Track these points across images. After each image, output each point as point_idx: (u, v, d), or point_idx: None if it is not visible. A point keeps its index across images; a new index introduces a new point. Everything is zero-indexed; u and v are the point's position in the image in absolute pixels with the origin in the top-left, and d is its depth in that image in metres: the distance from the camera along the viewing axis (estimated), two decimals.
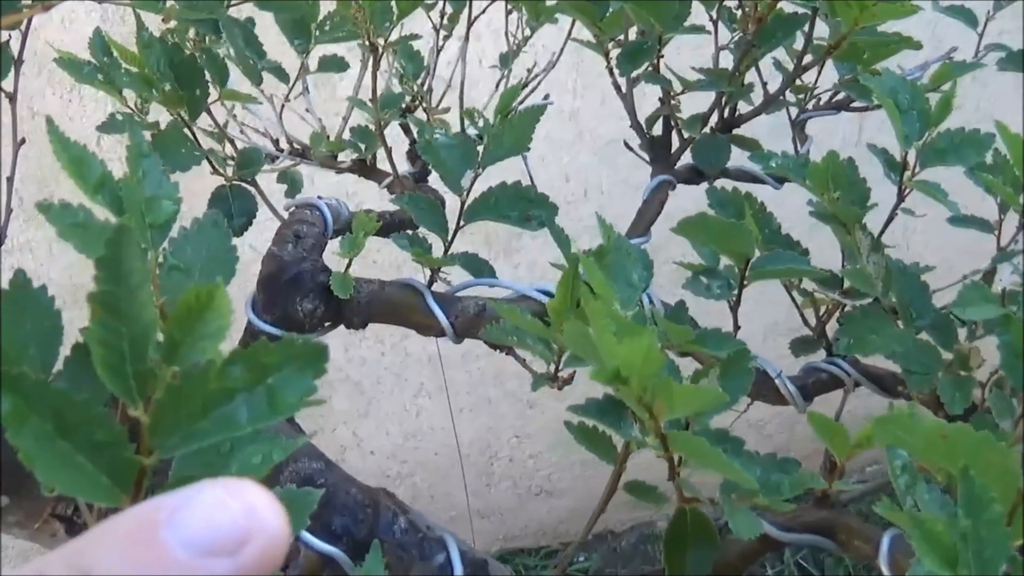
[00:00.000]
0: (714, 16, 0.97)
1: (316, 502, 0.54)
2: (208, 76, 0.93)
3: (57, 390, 0.42)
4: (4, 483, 0.74)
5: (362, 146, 1.02)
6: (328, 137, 1.03)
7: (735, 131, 0.98)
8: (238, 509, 0.29)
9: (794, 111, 1.01)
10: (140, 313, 0.42)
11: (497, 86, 1.10)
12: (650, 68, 0.96)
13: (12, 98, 0.88)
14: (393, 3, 0.95)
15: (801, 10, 0.92)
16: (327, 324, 0.91)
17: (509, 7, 1.09)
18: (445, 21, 1.07)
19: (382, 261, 1.85)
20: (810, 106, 1.01)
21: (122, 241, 0.42)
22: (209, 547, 0.28)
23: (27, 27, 0.89)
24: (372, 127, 1.00)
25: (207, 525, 0.28)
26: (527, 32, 1.09)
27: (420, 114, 1.06)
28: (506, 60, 1.09)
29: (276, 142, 1.05)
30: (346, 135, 1.04)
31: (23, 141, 0.89)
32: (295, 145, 1.05)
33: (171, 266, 0.60)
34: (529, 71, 1.08)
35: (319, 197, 0.96)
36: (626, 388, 0.59)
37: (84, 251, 0.54)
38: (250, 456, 0.49)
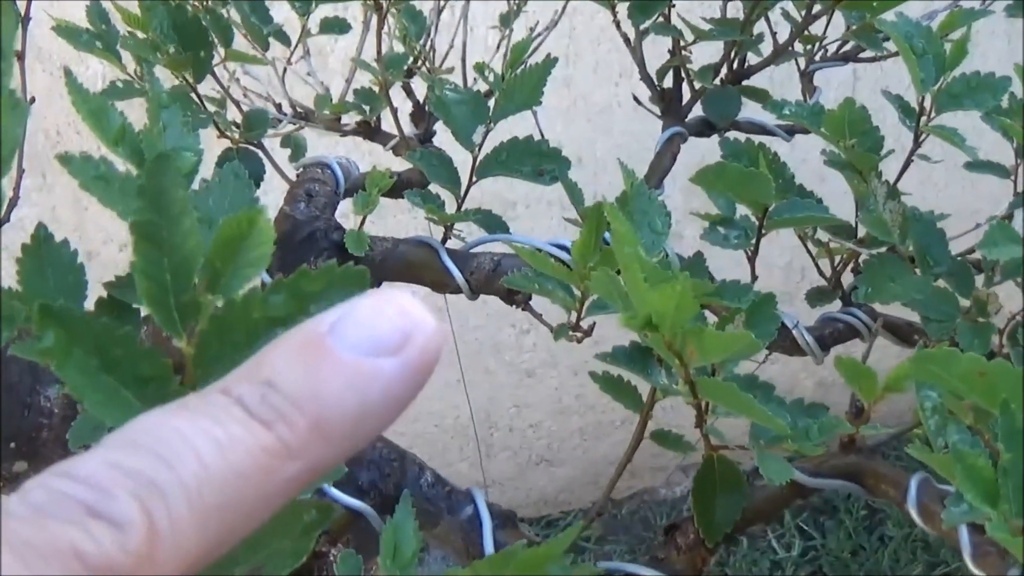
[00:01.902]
0: None
1: None
2: (213, 37, 0.93)
3: (100, 324, 0.42)
4: (21, 449, 0.76)
5: (366, 108, 1.02)
6: (331, 100, 1.03)
7: (745, 82, 0.99)
8: (394, 312, 0.30)
9: (803, 62, 1.01)
10: (182, 243, 0.42)
11: (498, 47, 1.08)
12: (660, 18, 0.96)
13: (20, 57, 0.88)
14: None
15: None
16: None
17: None
18: None
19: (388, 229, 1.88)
20: (818, 57, 1.00)
21: (162, 169, 0.42)
22: (372, 347, 0.29)
23: None
24: (376, 89, 1.00)
25: (367, 329, 0.29)
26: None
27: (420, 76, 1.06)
28: (507, 20, 1.09)
29: (279, 106, 1.05)
30: (349, 98, 1.04)
31: (33, 100, 0.88)
32: (298, 109, 1.05)
33: None
34: (531, 29, 1.06)
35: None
36: (656, 335, 0.58)
37: (106, 203, 0.54)
38: None
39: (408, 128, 1.02)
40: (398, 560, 0.60)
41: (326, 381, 0.29)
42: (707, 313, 0.82)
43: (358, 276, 0.45)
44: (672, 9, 0.97)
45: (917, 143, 0.84)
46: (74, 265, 0.57)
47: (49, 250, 0.56)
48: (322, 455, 0.29)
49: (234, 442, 0.28)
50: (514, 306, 0.88)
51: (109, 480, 0.26)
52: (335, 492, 0.80)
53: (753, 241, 0.83)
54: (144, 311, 0.64)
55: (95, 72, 1.78)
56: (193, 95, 0.95)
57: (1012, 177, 0.85)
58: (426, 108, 1.01)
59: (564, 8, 1.10)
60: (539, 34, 1.05)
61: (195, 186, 0.61)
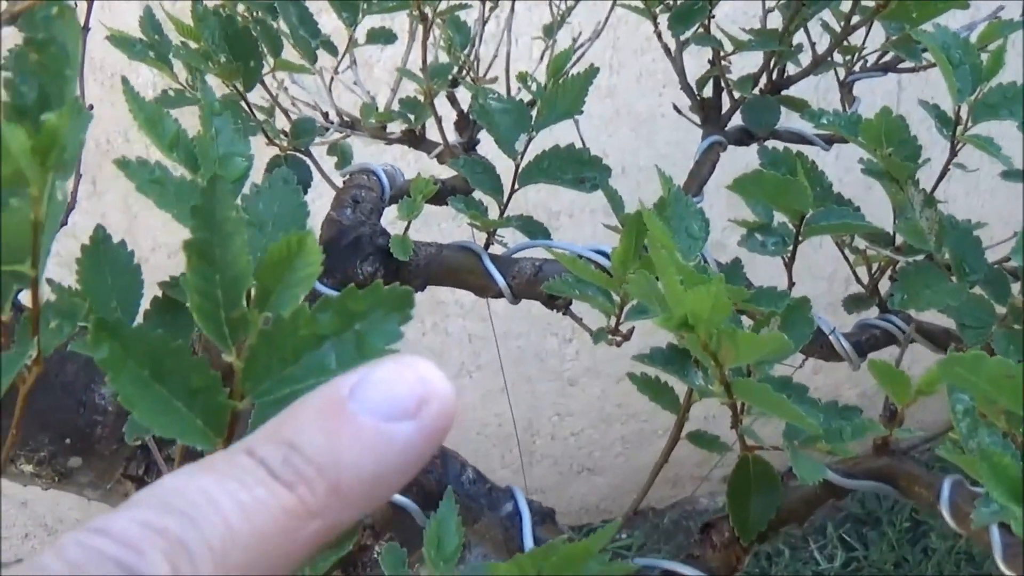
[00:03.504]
0: None
1: None
2: (263, 48, 0.94)
3: (153, 336, 0.43)
4: (76, 445, 0.77)
5: (411, 117, 1.02)
6: (377, 108, 1.03)
7: (784, 92, 0.99)
8: (411, 378, 0.31)
9: (842, 73, 1.01)
10: (233, 261, 0.43)
11: (542, 57, 1.08)
12: (700, 29, 0.96)
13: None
14: None
15: None
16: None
17: None
18: None
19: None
20: (857, 67, 1.00)
21: (216, 190, 0.43)
22: (391, 412, 0.30)
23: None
24: (421, 98, 1.00)
25: (386, 394, 0.31)
26: (570, 3, 1.08)
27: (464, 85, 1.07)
28: (550, 31, 1.09)
29: (326, 115, 1.06)
30: (394, 107, 1.04)
31: (91, 108, 0.90)
32: (344, 117, 1.05)
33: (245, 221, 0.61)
34: (575, 39, 1.07)
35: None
36: (692, 335, 0.59)
37: (162, 206, 0.56)
38: None
39: (452, 136, 1.03)
40: (442, 553, 0.60)
41: (345, 444, 0.30)
42: (744, 319, 0.84)
43: (403, 296, 0.46)
44: (712, 20, 0.97)
45: (954, 152, 0.84)
46: (131, 266, 0.58)
47: (107, 251, 0.57)
48: (341, 515, 0.30)
49: (258, 504, 0.29)
50: (555, 311, 0.88)
51: (140, 538, 0.27)
52: None
53: (790, 248, 0.83)
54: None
55: (145, 80, 1.80)
56: (243, 103, 0.95)
57: None
58: (470, 117, 1.01)
59: (607, 18, 1.10)
60: (582, 44, 1.07)
61: (245, 190, 0.63)
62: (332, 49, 1.00)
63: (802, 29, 0.96)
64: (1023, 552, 0.65)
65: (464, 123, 1.03)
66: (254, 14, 0.95)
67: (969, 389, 0.59)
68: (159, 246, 1.95)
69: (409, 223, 0.88)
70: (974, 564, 2.38)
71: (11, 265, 0.45)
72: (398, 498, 0.78)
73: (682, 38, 0.97)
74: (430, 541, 0.61)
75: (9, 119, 0.43)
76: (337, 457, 0.30)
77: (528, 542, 0.81)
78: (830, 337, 0.85)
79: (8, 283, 0.48)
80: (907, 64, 1.00)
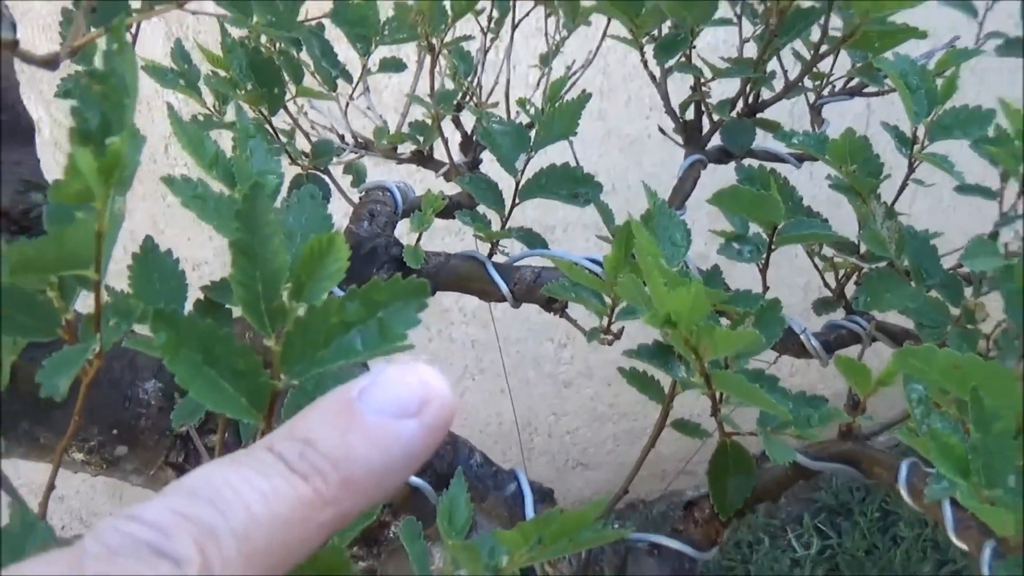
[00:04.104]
0: (738, 11, 0.97)
1: None
2: (285, 76, 0.94)
3: (204, 325, 0.45)
4: (123, 436, 0.77)
5: (420, 138, 1.03)
6: (389, 131, 1.04)
7: (759, 115, 0.99)
8: (415, 381, 0.32)
9: (811, 97, 1.02)
10: (272, 258, 0.45)
11: (538, 83, 1.10)
12: (683, 58, 0.96)
13: None
14: (448, 4, 0.96)
15: (817, 3, 0.91)
16: None
17: (548, 11, 1.09)
18: (491, 25, 1.06)
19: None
20: (826, 92, 1.01)
21: (256, 196, 0.45)
22: (396, 411, 0.32)
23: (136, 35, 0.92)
24: (429, 121, 1.01)
25: (391, 395, 0.32)
26: (564, 34, 1.08)
27: (468, 110, 1.07)
28: (546, 59, 1.10)
29: (342, 137, 1.07)
30: (404, 130, 1.04)
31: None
32: (358, 139, 1.06)
33: None
34: (568, 67, 1.07)
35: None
36: (675, 332, 0.60)
37: (203, 218, 0.56)
38: None
39: (457, 156, 1.03)
40: (454, 527, 0.61)
41: (356, 440, 0.31)
42: (724, 320, 0.85)
43: (420, 287, 0.48)
44: (693, 49, 0.97)
45: (912, 169, 0.84)
46: (176, 272, 0.59)
47: (155, 259, 0.58)
48: (351, 504, 0.31)
49: (277, 493, 0.30)
50: (552, 313, 0.88)
51: (170, 523, 0.28)
52: None
53: (764, 256, 0.84)
54: (236, 313, 0.68)
55: (146, 109, 1.81)
56: (268, 127, 0.96)
57: (998, 199, 0.85)
58: (474, 138, 1.02)
59: (598, 48, 1.11)
60: (575, 72, 1.07)
61: (276, 205, 0.64)
62: (348, 77, 1.00)
63: (775, 57, 0.96)
64: (973, 526, 0.65)
65: (468, 144, 1.04)
66: (277, 46, 0.96)
67: (922, 379, 0.59)
68: (184, 259, 1.96)
69: (420, 234, 0.89)
70: (939, 551, 2.39)
71: (77, 270, 0.47)
72: (414, 480, 0.78)
73: (666, 66, 0.98)
74: (443, 516, 0.61)
75: (77, 143, 0.45)
76: (348, 452, 0.31)
77: (530, 518, 0.80)
78: (801, 336, 0.86)
79: (73, 286, 0.50)
80: (872, 89, 1.00)
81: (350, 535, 0.54)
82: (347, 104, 1.03)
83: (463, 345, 2.23)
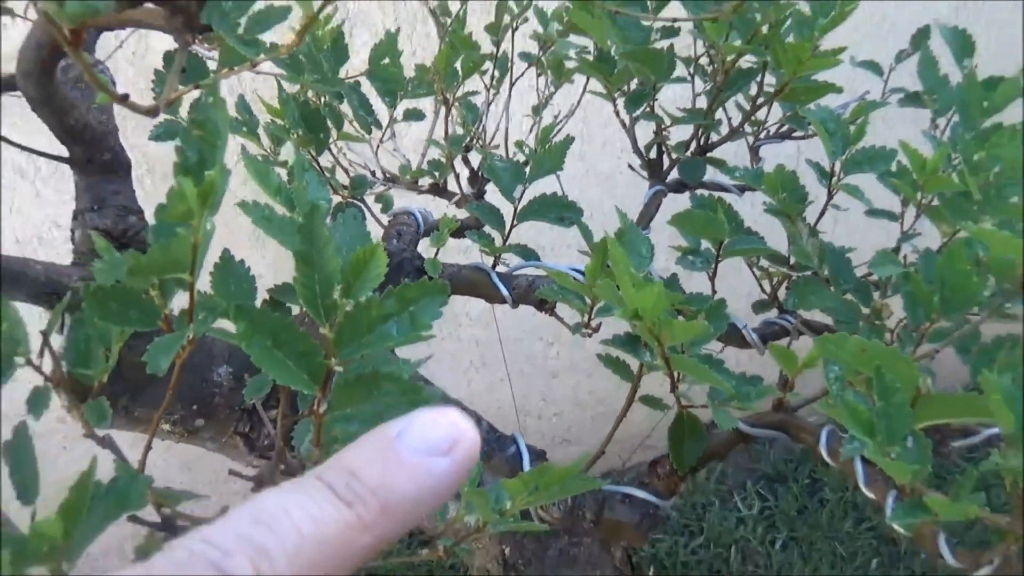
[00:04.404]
0: (692, 71, 0.96)
1: (432, 401, 0.54)
2: (329, 123, 0.94)
3: (273, 317, 0.47)
4: (201, 410, 0.77)
5: (436, 173, 1.03)
6: (411, 168, 1.04)
7: (709, 154, 0.99)
8: (446, 423, 0.32)
9: (751, 139, 1.02)
10: (326, 264, 0.46)
11: (531, 129, 1.09)
12: (647, 109, 0.96)
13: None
14: (458, 66, 0.97)
15: (755, 65, 0.91)
16: None
17: (538, 72, 1.09)
18: (493, 82, 1.06)
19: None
20: (762, 136, 1.01)
21: (314, 216, 0.46)
22: (430, 450, 0.31)
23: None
24: (444, 160, 1.01)
25: (426, 436, 0.31)
26: (552, 89, 1.09)
27: (475, 150, 1.07)
28: (538, 110, 1.09)
29: (373, 173, 1.06)
30: (424, 167, 1.04)
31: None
32: (387, 174, 1.06)
33: None
34: (555, 116, 1.07)
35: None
36: (641, 324, 0.61)
37: (269, 234, 0.56)
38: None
39: (467, 188, 1.03)
40: (469, 479, 0.62)
41: (394, 474, 0.30)
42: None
43: (442, 287, 0.49)
44: (655, 102, 0.97)
45: (830, 197, 0.85)
46: (248, 276, 0.59)
47: (231, 266, 0.59)
48: (388, 529, 0.30)
49: (324, 517, 0.29)
50: (544, 312, 0.87)
51: (230, 543, 0.28)
52: None
53: (713, 266, 0.84)
54: (296, 309, 0.69)
55: (232, 148, 1.81)
56: (315, 164, 0.97)
57: (900, 220, 0.86)
58: (480, 173, 1.02)
59: (579, 101, 1.11)
60: (561, 120, 1.07)
61: None
62: (378, 124, 0.99)
63: (721, 108, 0.96)
64: (879, 479, 0.65)
65: (475, 178, 1.04)
66: (323, 99, 0.96)
67: (838, 361, 0.61)
68: None
69: (438, 250, 0.89)
70: (858, 510, 2.39)
71: (176, 274, 0.49)
72: (519, 528, 0.77)
73: (634, 115, 0.98)
74: None
75: (180, 174, 0.47)
76: (387, 483, 0.30)
77: None
78: (743, 331, 0.86)
79: (171, 287, 0.52)
80: (800, 133, 1.00)
81: None
82: (378, 146, 1.03)
83: (469, 343, 2.22)
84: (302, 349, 0.47)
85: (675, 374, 0.68)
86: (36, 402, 0.58)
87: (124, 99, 0.47)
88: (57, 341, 0.62)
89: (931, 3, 2.14)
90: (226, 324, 0.53)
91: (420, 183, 1.05)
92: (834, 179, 0.84)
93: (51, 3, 0.40)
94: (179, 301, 0.52)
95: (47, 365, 0.58)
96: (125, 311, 0.51)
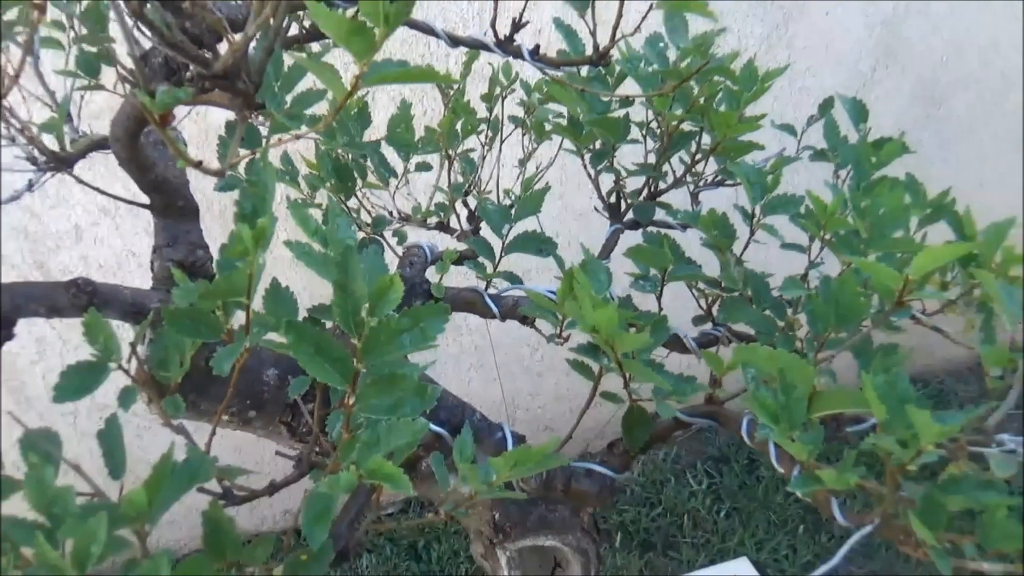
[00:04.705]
0: (644, 133, 0.97)
1: (436, 396, 0.55)
2: (356, 174, 0.96)
3: (314, 330, 0.50)
4: (253, 404, 0.78)
5: (441, 214, 1.04)
6: (422, 209, 1.05)
7: (657, 199, 1.00)
8: None
9: (691, 187, 1.01)
10: (356, 290, 0.49)
11: (518, 177, 1.07)
12: (608, 163, 0.98)
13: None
14: (459, 128, 1.00)
15: (694, 128, 0.93)
16: None
17: (524, 132, 1.09)
18: (487, 140, 1.08)
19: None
20: (700, 184, 1.01)
21: (348, 254, 0.50)
22: None
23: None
24: (447, 203, 1.02)
25: None
26: (535, 146, 1.10)
27: (472, 196, 1.08)
28: (523, 162, 1.10)
29: (391, 213, 1.05)
30: (431, 208, 1.05)
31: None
32: (402, 215, 1.06)
33: None
34: (537, 167, 1.09)
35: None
36: (599, 335, 0.63)
37: (310, 266, 0.59)
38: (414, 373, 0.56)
39: (466, 225, 1.04)
40: (463, 457, 0.63)
41: None
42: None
43: (444, 309, 0.52)
44: (615, 157, 0.98)
45: (752, 233, 0.86)
46: (292, 300, 0.61)
47: (279, 291, 0.60)
48: None
49: None
50: (526, 325, 0.88)
51: None
52: (427, 422, 0.79)
53: (659, 289, 0.85)
54: (330, 324, 0.70)
55: (279, 194, 1.82)
56: (344, 206, 0.98)
57: (807, 252, 0.86)
58: (476, 214, 1.03)
59: (557, 154, 1.10)
60: (542, 170, 1.08)
61: None
62: (395, 175, 1.00)
63: (668, 162, 0.97)
64: (787, 456, 0.66)
65: (472, 218, 1.04)
66: (350, 156, 0.97)
67: (753, 365, 0.62)
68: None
69: (442, 276, 0.90)
70: (787, 485, 2.41)
71: (236, 298, 0.52)
72: (437, 428, 0.79)
73: (598, 168, 0.98)
74: (456, 450, 0.64)
75: (239, 221, 0.50)
76: None
77: None
78: (684, 339, 0.87)
79: (232, 308, 0.55)
80: (730, 182, 0.99)
81: (400, 458, 0.57)
82: (394, 192, 1.04)
83: (469, 349, 2.24)
84: (337, 355, 0.50)
85: (626, 375, 0.70)
86: (125, 397, 0.60)
87: (198, 164, 0.50)
88: (141, 350, 0.64)
89: (832, 79, 2.17)
90: (274, 336, 0.55)
91: (428, 221, 1.05)
92: (755, 220, 0.85)
93: (144, 94, 0.44)
94: (238, 318, 0.55)
95: (134, 369, 0.61)
96: (196, 327, 0.53)
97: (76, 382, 0.54)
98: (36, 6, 0.45)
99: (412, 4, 0.44)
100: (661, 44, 0.83)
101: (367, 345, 0.49)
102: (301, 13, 0.72)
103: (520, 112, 1.09)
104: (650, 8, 0.64)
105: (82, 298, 0.63)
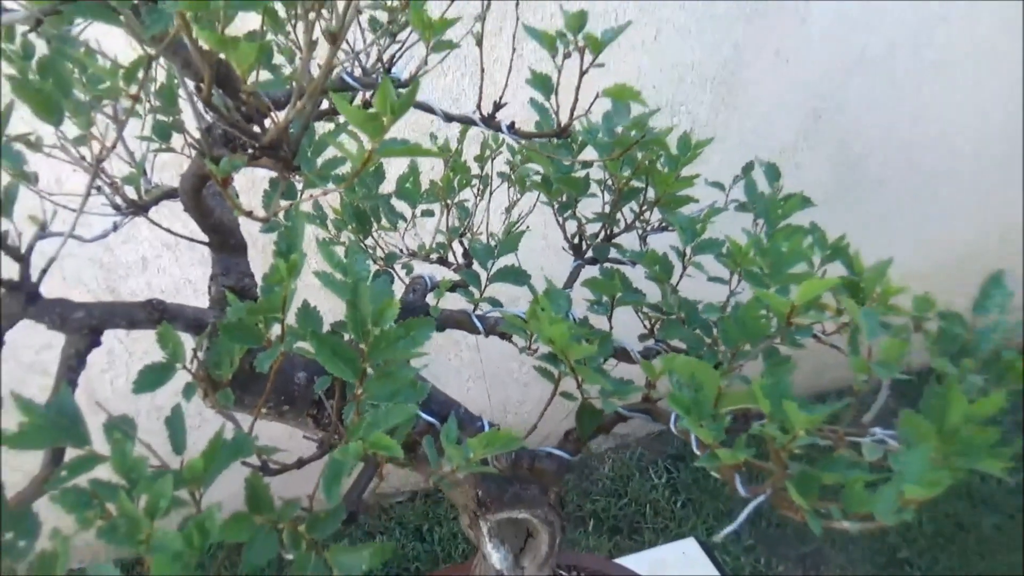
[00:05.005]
0: (602, 188, 0.99)
1: (426, 390, 0.60)
2: (372, 218, 1.00)
3: (333, 338, 0.56)
4: (286, 399, 0.81)
5: (441, 251, 1.07)
6: (426, 247, 1.09)
7: (612, 241, 1.02)
8: None
9: (640, 232, 1.03)
10: (365, 308, 0.55)
11: (503, 222, 1.13)
12: (572, 212, 1.02)
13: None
14: (455, 182, 1.05)
15: (640, 185, 0.96)
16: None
17: (509, 186, 1.12)
18: (479, 192, 1.11)
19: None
20: (648, 229, 1.03)
21: (359, 284, 0.55)
22: None
23: None
24: (446, 242, 1.06)
25: None
26: (517, 197, 1.13)
27: (466, 238, 1.14)
28: (509, 210, 1.13)
29: (400, 251, 1.08)
30: (432, 246, 1.09)
31: None
32: (409, 251, 1.09)
33: None
34: (520, 215, 1.12)
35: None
36: (554, 346, 0.68)
37: (333, 291, 0.64)
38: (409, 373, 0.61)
39: (461, 260, 1.07)
40: (449, 440, 0.67)
41: None
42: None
43: (429, 323, 0.57)
44: (577, 207, 1.01)
45: (684, 268, 0.89)
46: (318, 316, 0.66)
47: (308, 311, 0.66)
48: None
49: None
50: (506, 340, 0.92)
51: None
52: (421, 412, 0.83)
53: (610, 312, 0.88)
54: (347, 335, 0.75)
55: (310, 233, 1.86)
56: (362, 244, 1.02)
57: (728, 284, 0.87)
58: (468, 251, 1.06)
59: (535, 205, 1.13)
60: (523, 216, 1.12)
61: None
62: (403, 219, 1.03)
63: (620, 212, 1.00)
64: (703, 442, 0.72)
65: (466, 255, 1.07)
66: (367, 205, 1.01)
67: (675, 370, 0.66)
68: None
69: (439, 300, 0.93)
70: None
71: (274, 314, 0.58)
72: (428, 418, 0.82)
73: (564, 216, 1.03)
74: (443, 434, 0.67)
75: (277, 256, 0.56)
76: None
77: None
78: (631, 352, 0.89)
79: (271, 322, 0.61)
80: (671, 228, 1.01)
81: (400, 438, 0.62)
82: (403, 233, 1.06)
83: (467, 362, 2.27)
84: (349, 356, 0.56)
85: (579, 378, 0.73)
86: (188, 391, 0.65)
87: (249, 214, 0.57)
88: (200, 355, 0.70)
89: (749, 154, 2.24)
90: (304, 345, 0.61)
91: (431, 257, 1.08)
92: (687, 258, 0.89)
93: (210, 161, 0.50)
94: (275, 331, 0.61)
95: (195, 368, 0.66)
96: (244, 336, 0.59)
97: (151, 378, 0.60)
98: (132, 97, 0.52)
99: (413, 96, 0.51)
100: (612, 120, 0.89)
101: (371, 349, 0.54)
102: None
103: (506, 169, 1.14)
104: (596, 97, 0.70)
105: (155, 315, 0.68)
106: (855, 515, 0.60)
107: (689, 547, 1.58)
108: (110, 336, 1.55)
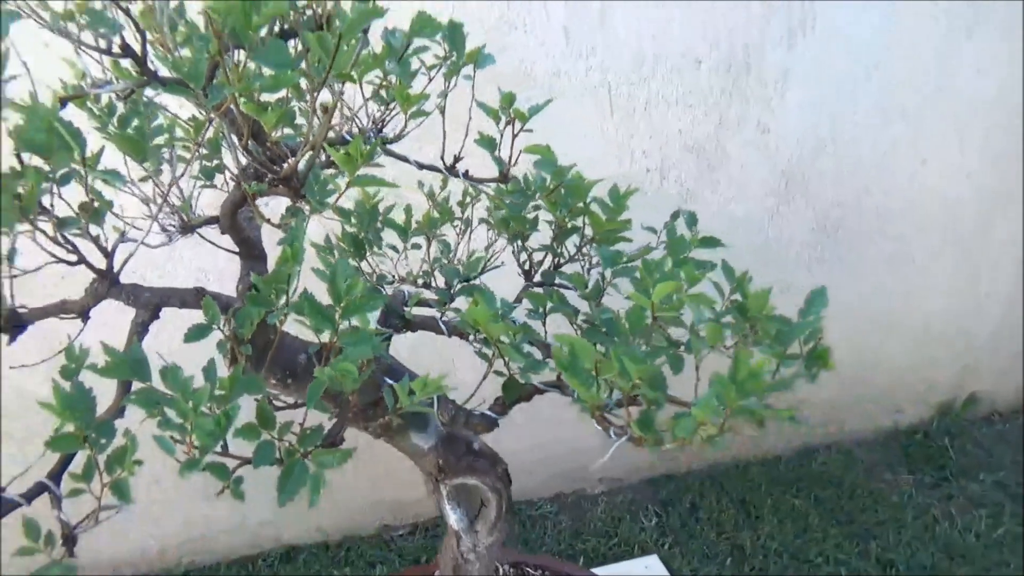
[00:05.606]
0: (552, 228, 1.21)
1: (379, 346, 0.92)
2: (367, 246, 1.35)
3: (320, 304, 0.88)
4: (291, 374, 1.12)
5: (425, 278, 1.31)
6: (413, 274, 1.35)
7: (558, 270, 1.21)
8: None
9: (586, 264, 1.19)
10: (339, 285, 0.88)
11: (487, 250, 1.38)
12: (522, 244, 1.20)
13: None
14: (437, 217, 1.33)
15: (580, 224, 1.16)
16: (405, 330, 1.20)
17: (487, 226, 1.38)
18: (460, 228, 1.37)
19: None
20: (591, 261, 1.19)
21: (337, 269, 0.88)
22: None
23: None
24: (429, 269, 1.31)
25: None
26: (495, 237, 1.41)
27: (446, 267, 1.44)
28: (489, 247, 1.40)
29: (395, 277, 1.33)
30: (419, 273, 1.41)
31: None
32: (399, 276, 1.32)
33: None
34: (494, 253, 1.39)
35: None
36: (481, 327, 0.96)
37: (321, 278, 0.99)
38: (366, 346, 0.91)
39: (441, 284, 1.32)
40: (401, 390, 0.95)
41: None
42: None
43: (376, 303, 0.89)
44: (527, 241, 1.20)
45: (604, 289, 1.22)
46: (313, 297, 0.96)
47: (306, 294, 0.94)
48: None
49: None
50: (464, 339, 1.19)
51: None
52: (386, 379, 1.15)
53: (543, 318, 1.17)
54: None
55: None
56: (359, 267, 1.36)
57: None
58: (444, 276, 1.32)
59: (507, 247, 1.47)
60: (495, 253, 1.38)
61: None
62: (396, 250, 1.28)
63: (563, 246, 1.18)
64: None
65: (447, 280, 1.36)
66: (365, 234, 1.30)
67: (566, 344, 1.00)
68: None
69: (411, 307, 1.18)
70: (716, 528, 2.66)
71: (280, 284, 0.90)
72: (390, 381, 1.12)
73: (517, 247, 1.21)
74: (399, 388, 0.95)
75: (286, 245, 0.89)
76: None
77: None
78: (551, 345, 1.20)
79: (282, 291, 0.93)
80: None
81: (363, 377, 0.92)
82: (396, 261, 1.26)
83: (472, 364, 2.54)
84: (328, 315, 0.88)
85: (505, 357, 0.95)
86: (220, 347, 0.98)
87: (269, 221, 0.91)
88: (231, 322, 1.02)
89: (750, 203, 2.54)
90: (305, 336, 0.92)
91: (417, 282, 1.33)
92: (606, 281, 1.13)
93: (246, 186, 0.84)
94: (282, 301, 0.93)
95: (227, 329, 0.99)
96: (261, 301, 0.92)
97: (196, 333, 0.92)
98: (196, 144, 0.87)
99: (375, 149, 0.85)
100: (543, 170, 1.22)
101: (343, 311, 0.86)
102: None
103: (485, 214, 1.39)
104: (520, 152, 1.03)
105: (200, 297, 1.02)
106: (678, 441, 0.89)
107: (651, 562, 1.83)
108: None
